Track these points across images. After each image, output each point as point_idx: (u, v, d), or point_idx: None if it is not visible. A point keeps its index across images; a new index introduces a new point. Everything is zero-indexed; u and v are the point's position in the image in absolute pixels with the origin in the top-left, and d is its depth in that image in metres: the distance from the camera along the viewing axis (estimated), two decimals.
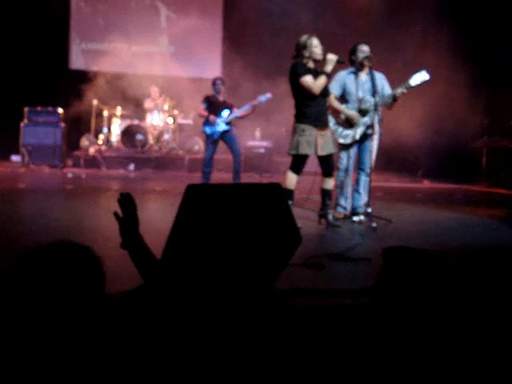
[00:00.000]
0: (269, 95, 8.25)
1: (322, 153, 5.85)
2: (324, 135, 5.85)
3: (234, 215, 2.88)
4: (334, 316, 2.69)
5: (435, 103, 11.21)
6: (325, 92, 5.87)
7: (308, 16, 12.28)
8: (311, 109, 5.82)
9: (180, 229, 2.75)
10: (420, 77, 5.97)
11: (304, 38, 5.84)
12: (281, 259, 3.23)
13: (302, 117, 5.87)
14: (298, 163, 5.94)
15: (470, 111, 11.29)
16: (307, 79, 5.74)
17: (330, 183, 6.00)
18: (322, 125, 5.85)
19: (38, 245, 1.46)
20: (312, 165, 10.36)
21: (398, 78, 6.63)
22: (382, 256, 1.89)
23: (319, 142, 5.80)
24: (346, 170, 6.36)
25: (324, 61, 5.81)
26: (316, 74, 5.83)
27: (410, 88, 6.03)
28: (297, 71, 5.80)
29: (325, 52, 5.85)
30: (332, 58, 5.77)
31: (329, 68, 5.75)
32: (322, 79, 5.74)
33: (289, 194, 5.85)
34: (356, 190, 6.42)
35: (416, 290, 1.73)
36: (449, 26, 10.87)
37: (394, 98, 6.08)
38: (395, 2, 11.87)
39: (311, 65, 5.91)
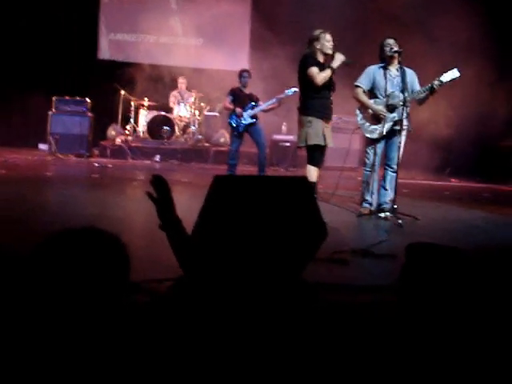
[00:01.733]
0: (295, 89, 8.19)
1: (329, 143, 6.08)
2: (328, 127, 6.08)
3: (260, 207, 2.87)
4: (355, 312, 2.66)
5: (464, 100, 11.06)
6: (330, 86, 6.06)
7: (337, 10, 12.16)
8: (316, 101, 6.02)
9: (207, 219, 2.75)
10: (451, 74, 5.92)
11: (318, 31, 6.13)
12: (306, 252, 3.21)
13: (307, 109, 6.10)
14: (313, 155, 6.11)
15: (498, 109, 11.14)
16: (313, 70, 5.97)
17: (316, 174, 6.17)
18: (326, 117, 6.06)
19: (66, 229, 1.46)
20: (337, 160, 10.33)
21: (426, 74, 6.56)
22: (405, 252, 1.86)
23: (326, 133, 6.02)
24: (373, 166, 6.31)
25: (333, 57, 6.02)
26: (323, 67, 6.03)
27: (441, 85, 5.94)
28: (306, 62, 6.06)
29: (335, 49, 6.04)
30: (340, 57, 5.99)
31: (335, 64, 5.96)
32: (327, 72, 5.94)
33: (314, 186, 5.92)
34: (382, 186, 6.36)
35: (437, 286, 1.70)
36: (477, 22, 10.67)
37: (432, 91, 5.99)
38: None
39: (321, 58, 6.12)
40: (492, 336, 1.75)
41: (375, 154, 6.28)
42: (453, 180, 11.31)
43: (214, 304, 2.14)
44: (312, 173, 6.04)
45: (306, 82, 6.09)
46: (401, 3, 11.74)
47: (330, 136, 6.13)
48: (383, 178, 6.37)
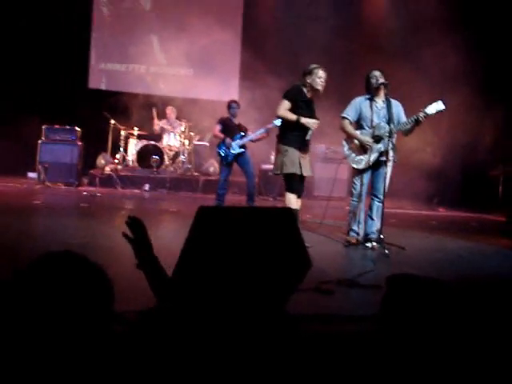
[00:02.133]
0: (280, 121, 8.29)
1: (304, 173, 6.18)
2: (304, 158, 6.21)
3: (244, 238, 2.89)
4: (340, 343, 2.67)
5: (451, 129, 11.22)
6: (310, 118, 6.17)
7: (328, 38, 12.33)
8: (294, 132, 6.15)
9: (191, 250, 2.76)
10: (436, 106, 6.01)
11: (313, 65, 6.26)
12: (291, 283, 3.22)
13: (284, 138, 6.26)
14: (290, 183, 6.24)
15: (486, 137, 11.27)
16: (284, 103, 6.18)
17: (299, 203, 6.23)
18: (303, 148, 6.20)
19: (48, 253, 1.49)
20: (325, 190, 10.39)
21: (413, 104, 6.67)
22: (386, 283, 1.89)
23: (302, 162, 6.14)
24: (359, 196, 6.37)
25: (315, 98, 6.30)
26: (307, 103, 6.23)
27: (426, 117, 6.03)
28: (286, 92, 6.26)
29: (325, 87, 6.23)
30: (314, 123, 6.17)
31: (302, 120, 6.09)
32: (290, 117, 6.13)
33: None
34: (369, 216, 6.40)
35: (417, 317, 1.72)
36: (463, 50, 10.82)
37: (417, 123, 6.08)
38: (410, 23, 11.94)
39: (309, 93, 6.27)
40: (473, 365, 1.77)
41: (362, 184, 6.34)
42: (441, 209, 11.38)
43: (188, 332, 2.16)
44: (291, 200, 6.14)
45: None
46: (387, 33, 11.96)
47: (308, 166, 6.27)
48: (370, 208, 6.42)
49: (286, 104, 6.17)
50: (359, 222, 6.43)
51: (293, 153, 6.13)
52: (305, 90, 6.26)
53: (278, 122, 8.18)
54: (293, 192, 6.17)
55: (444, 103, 6.01)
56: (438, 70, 11.19)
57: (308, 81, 6.23)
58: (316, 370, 2.22)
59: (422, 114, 6.02)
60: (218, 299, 2.72)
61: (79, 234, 6.01)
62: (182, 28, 13.68)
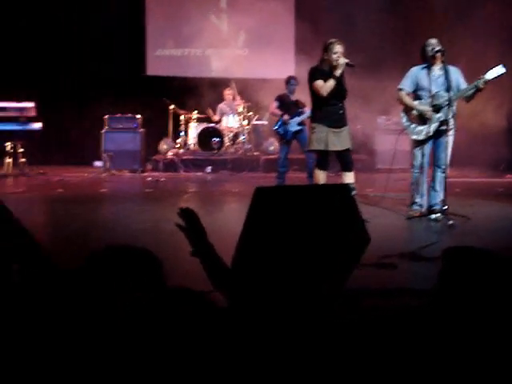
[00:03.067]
0: None
1: (333, 148, 6.24)
2: (337, 132, 6.25)
3: (302, 217, 2.91)
4: (401, 317, 2.67)
5: None
6: (338, 94, 6.27)
7: (379, 14, 12.10)
8: (323, 109, 6.28)
9: (250, 232, 2.81)
10: (496, 71, 5.84)
11: (330, 41, 6.27)
12: (350, 259, 3.23)
13: (314, 117, 6.45)
14: (318, 159, 6.46)
15: None
16: (317, 83, 6.25)
17: (348, 177, 6.26)
18: (333, 124, 6.24)
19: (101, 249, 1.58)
20: (388, 161, 10.27)
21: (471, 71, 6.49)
22: (442, 257, 1.88)
23: (330, 138, 6.20)
24: (421, 167, 6.27)
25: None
26: (329, 75, 6.21)
27: (486, 83, 5.87)
28: (312, 75, 6.35)
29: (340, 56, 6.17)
30: (342, 62, 6.13)
31: (337, 72, 6.14)
32: (330, 82, 6.16)
33: None
34: (432, 188, 6.28)
35: (475, 292, 1.71)
36: None
37: (477, 90, 5.94)
38: None
39: (327, 67, 6.29)
40: None
41: (423, 155, 6.24)
42: (508, 176, 11.04)
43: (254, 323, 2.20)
44: (318, 176, 6.37)
45: (313, 93, 6.39)
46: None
47: (341, 140, 6.28)
48: (432, 179, 6.30)
49: (320, 83, 6.23)
50: (422, 194, 6.33)
51: (320, 129, 6.25)
52: (324, 65, 6.30)
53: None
54: (320, 168, 6.37)
55: (505, 66, 5.82)
56: (497, 28, 10.76)
57: (325, 57, 6.27)
58: (374, 345, 2.23)
59: (481, 81, 5.85)
60: (279, 279, 2.76)
61: (143, 219, 6.17)
62: (234, 6, 13.70)
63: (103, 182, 10.07)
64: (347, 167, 6.36)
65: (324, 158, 6.38)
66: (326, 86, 6.18)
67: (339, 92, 6.27)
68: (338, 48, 6.18)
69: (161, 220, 5.99)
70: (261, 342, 2.00)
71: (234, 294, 2.35)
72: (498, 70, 5.83)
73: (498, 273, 1.81)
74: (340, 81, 6.27)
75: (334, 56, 6.16)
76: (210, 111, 12.42)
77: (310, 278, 2.84)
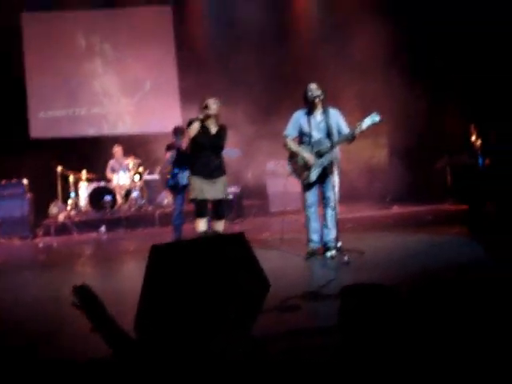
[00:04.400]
0: (237, 151, 8.46)
1: (207, 196, 6.58)
2: (211, 182, 6.59)
3: (200, 270, 2.92)
4: (308, 357, 2.72)
5: (392, 128, 11.43)
6: (212, 147, 6.61)
7: (265, 58, 12.46)
8: (197, 162, 6.64)
9: (149, 291, 2.78)
10: (371, 119, 6.14)
11: (206, 101, 6.60)
12: (252, 306, 3.26)
13: (191, 168, 6.80)
14: (196, 208, 6.69)
15: (429, 130, 11.54)
16: (188, 129, 6.63)
17: (219, 225, 6.77)
18: (207, 175, 6.58)
19: None
20: (280, 204, 10.51)
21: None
22: (339, 295, 1.96)
23: (204, 187, 6.55)
24: (311, 207, 6.53)
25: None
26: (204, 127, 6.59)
27: (362, 131, 6.20)
28: (187, 126, 6.69)
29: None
30: (212, 112, 6.56)
31: (201, 115, 6.55)
32: (195, 125, 6.52)
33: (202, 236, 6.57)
34: (324, 225, 6.49)
35: (370, 324, 1.79)
36: (390, 39, 11.02)
37: (353, 137, 6.26)
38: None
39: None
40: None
41: (312, 196, 6.52)
42: (395, 207, 11.56)
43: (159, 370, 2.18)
44: (197, 223, 6.63)
45: (190, 144, 6.76)
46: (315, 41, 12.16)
47: (215, 189, 6.60)
48: (324, 218, 6.50)
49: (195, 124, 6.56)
50: (315, 231, 6.56)
51: (195, 180, 6.61)
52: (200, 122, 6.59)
53: (231, 153, 8.36)
54: (198, 216, 6.62)
55: (379, 114, 6.16)
56: (370, 61, 11.37)
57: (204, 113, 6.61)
58: None
59: (357, 130, 6.18)
60: (183, 333, 2.74)
61: (38, 289, 5.95)
62: (115, 63, 13.75)
63: None
64: (219, 215, 6.76)
65: (200, 207, 6.62)
66: (191, 128, 6.52)
67: (213, 144, 6.62)
68: (212, 105, 6.56)
69: (58, 289, 5.78)
70: None
71: (138, 363, 2.32)
72: (373, 119, 6.14)
73: (388, 304, 1.90)
74: (215, 134, 6.63)
75: (209, 111, 6.55)
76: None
77: (214, 329, 2.84)
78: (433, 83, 11.51)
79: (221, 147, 6.71)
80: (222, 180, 6.69)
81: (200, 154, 6.62)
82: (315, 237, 6.56)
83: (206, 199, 6.61)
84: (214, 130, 6.65)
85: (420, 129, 11.47)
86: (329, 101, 6.46)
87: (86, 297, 2.34)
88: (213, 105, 6.57)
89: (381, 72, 11.20)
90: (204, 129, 6.59)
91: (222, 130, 6.69)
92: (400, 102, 10.75)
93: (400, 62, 11.20)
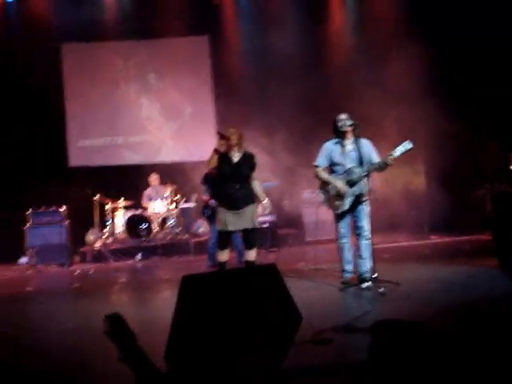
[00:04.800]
0: (274, 183, 8.51)
1: (232, 228, 6.50)
2: (236, 213, 6.49)
3: (231, 302, 2.89)
4: None
5: (429, 155, 11.31)
6: (235, 177, 6.50)
7: (294, 84, 12.47)
8: (222, 193, 6.63)
9: (180, 322, 2.76)
10: (403, 147, 6.12)
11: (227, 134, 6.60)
12: (284, 338, 3.21)
13: (217, 199, 6.85)
14: (218, 239, 6.75)
15: (466, 158, 11.38)
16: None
17: (250, 255, 6.61)
18: (231, 206, 6.49)
19: None
20: (316, 233, 10.45)
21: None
22: (370, 332, 1.91)
23: (228, 219, 6.47)
24: (345, 237, 6.52)
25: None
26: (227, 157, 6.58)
27: (394, 159, 6.15)
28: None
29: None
30: (233, 142, 6.54)
31: (221, 147, 6.58)
32: (213, 158, 6.53)
33: (221, 266, 6.67)
34: (359, 256, 6.41)
35: (401, 362, 1.74)
36: (425, 70, 10.94)
37: (385, 166, 6.22)
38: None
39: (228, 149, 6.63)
40: None
41: (344, 226, 6.51)
42: (432, 237, 11.36)
43: None
44: (218, 255, 6.68)
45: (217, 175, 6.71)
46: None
47: (242, 219, 6.49)
48: (358, 248, 6.43)
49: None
50: (349, 261, 6.52)
51: (220, 211, 6.59)
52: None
53: (270, 184, 8.39)
54: (220, 248, 6.63)
55: (411, 142, 6.12)
56: (405, 93, 11.29)
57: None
58: None
59: (389, 158, 6.14)
60: (213, 366, 2.70)
61: (71, 318, 5.98)
62: (156, 92, 13.96)
63: (28, 280, 9.73)
64: (250, 245, 6.62)
65: (222, 238, 6.61)
66: (211, 161, 6.53)
67: (235, 174, 6.51)
68: (231, 135, 6.54)
69: (90, 317, 5.80)
70: None
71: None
72: (406, 146, 6.11)
73: (416, 341, 1.85)
74: (237, 163, 6.54)
75: (229, 141, 6.56)
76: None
77: (245, 361, 2.80)
78: (471, 110, 11.36)
79: (244, 176, 6.56)
80: (249, 209, 6.54)
81: (224, 184, 6.55)
82: (349, 267, 6.52)
83: (228, 231, 6.52)
84: (236, 159, 6.55)
85: (458, 156, 11.31)
86: (365, 128, 6.48)
87: (117, 324, 2.32)
88: (232, 135, 6.54)
89: (417, 99, 11.10)
90: (226, 159, 6.53)
91: (245, 158, 6.58)
92: (437, 129, 10.65)
93: (437, 90, 11.10)
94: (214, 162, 6.51)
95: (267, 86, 12.84)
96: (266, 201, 6.63)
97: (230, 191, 6.50)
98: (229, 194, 6.51)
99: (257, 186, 6.70)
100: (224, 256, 6.60)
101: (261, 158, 10.17)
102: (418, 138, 6.20)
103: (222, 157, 6.53)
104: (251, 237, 6.61)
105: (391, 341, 1.84)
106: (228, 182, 6.51)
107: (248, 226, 6.53)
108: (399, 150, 6.11)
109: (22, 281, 9.62)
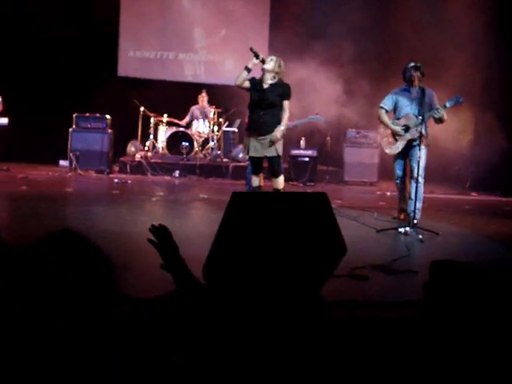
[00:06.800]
0: (320, 118, 8.44)
1: (253, 154, 6.55)
2: (259, 140, 6.48)
3: (278, 224, 2.86)
4: (376, 329, 2.64)
5: (486, 106, 11.00)
6: (260, 104, 6.47)
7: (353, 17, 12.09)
8: (248, 119, 6.78)
9: (225, 237, 2.74)
10: (455, 99, 6.43)
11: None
12: (325, 269, 3.19)
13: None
14: (250, 164, 6.97)
15: None
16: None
17: (276, 183, 6.65)
18: (254, 132, 6.53)
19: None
20: (355, 174, 10.37)
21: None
22: (429, 270, 1.85)
23: (252, 144, 6.50)
24: (398, 178, 6.87)
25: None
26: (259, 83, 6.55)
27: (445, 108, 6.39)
28: None
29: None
30: (256, 62, 6.53)
31: (249, 64, 6.53)
32: (242, 74, 6.51)
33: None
34: (408, 196, 6.66)
35: (460, 304, 1.68)
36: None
37: (440, 119, 6.44)
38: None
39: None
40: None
41: (398, 167, 6.82)
42: (473, 194, 11.18)
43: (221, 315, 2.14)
44: (251, 180, 6.89)
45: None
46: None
47: (265, 147, 6.48)
48: (410, 189, 6.65)
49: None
50: (402, 201, 6.92)
51: (246, 136, 6.78)
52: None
53: (316, 118, 8.31)
54: (252, 173, 6.81)
55: (461, 97, 6.43)
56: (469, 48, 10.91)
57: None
58: (353, 356, 2.19)
59: (442, 107, 6.35)
60: (252, 285, 2.70)
61: (110, 222, 6.06)
62: (209, 12, 13.67)
63: (69, 182, 9.90)
64: (273, 173, 6.66)
65: (253, 163, 6.72)
66: (238, 76, 6.55)
67: (261, 101, 6.46)
68: (269, 61, 6.51)
69: (127, 224, 5.88)
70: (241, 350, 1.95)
71: (203, 305, 2.29)
72: (458, 99, 6.42)
73: (481, 285, 1.79)
74: (266, 89, 6.48)
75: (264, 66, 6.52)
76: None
77: (284, 283, 2.79)
78: None
79: (270, 103, 6.47)
80: (267, 138, 6.49)
81: (252, 110, 6.58)
82: (400, 206, 6.93)
83: (254, 157, 6.56)
84: (266, 86, 6.47)
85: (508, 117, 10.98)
86: (428, 81, 6.71)
87: (162, 236, 2.33)
88: (270, 61, 6.46)
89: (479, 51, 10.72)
90: (257, 85, 6.47)
91: (276, 86, 6.48)
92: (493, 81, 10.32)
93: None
94: (241, 79, 6.47)
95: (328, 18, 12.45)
96: (282, 128, 6.46)
97: (255, 117, 6.52)
98: (254, 119, 6.54)
99: (285, 116, 6.56)
100: (256, 181, 6.74)
101: (310, 93, 10.05)
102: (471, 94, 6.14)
103: (255, 82, 6.47)
104: (275, 165, 6.63)
105: (452, 281, 1.79)
106: (255, 107, 6.52)
107: (270, 154, 6.52)
108: (451, 102, 6.39)
109: (62, 182, 9.79)
